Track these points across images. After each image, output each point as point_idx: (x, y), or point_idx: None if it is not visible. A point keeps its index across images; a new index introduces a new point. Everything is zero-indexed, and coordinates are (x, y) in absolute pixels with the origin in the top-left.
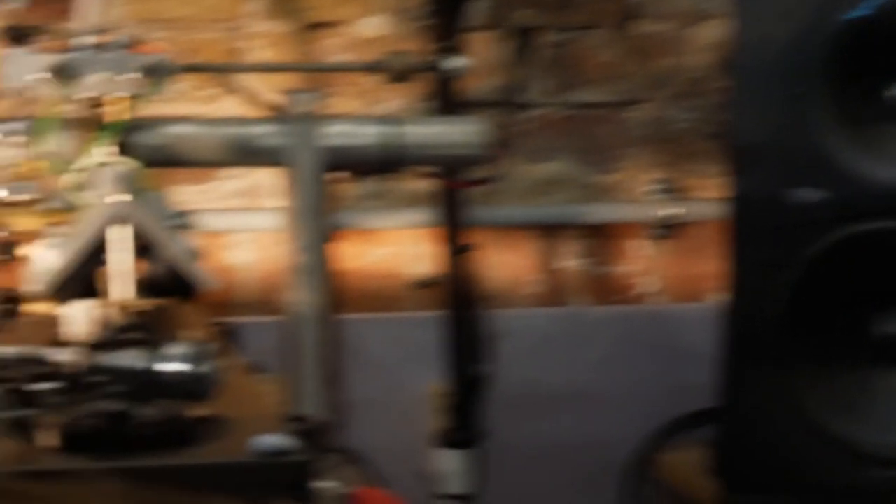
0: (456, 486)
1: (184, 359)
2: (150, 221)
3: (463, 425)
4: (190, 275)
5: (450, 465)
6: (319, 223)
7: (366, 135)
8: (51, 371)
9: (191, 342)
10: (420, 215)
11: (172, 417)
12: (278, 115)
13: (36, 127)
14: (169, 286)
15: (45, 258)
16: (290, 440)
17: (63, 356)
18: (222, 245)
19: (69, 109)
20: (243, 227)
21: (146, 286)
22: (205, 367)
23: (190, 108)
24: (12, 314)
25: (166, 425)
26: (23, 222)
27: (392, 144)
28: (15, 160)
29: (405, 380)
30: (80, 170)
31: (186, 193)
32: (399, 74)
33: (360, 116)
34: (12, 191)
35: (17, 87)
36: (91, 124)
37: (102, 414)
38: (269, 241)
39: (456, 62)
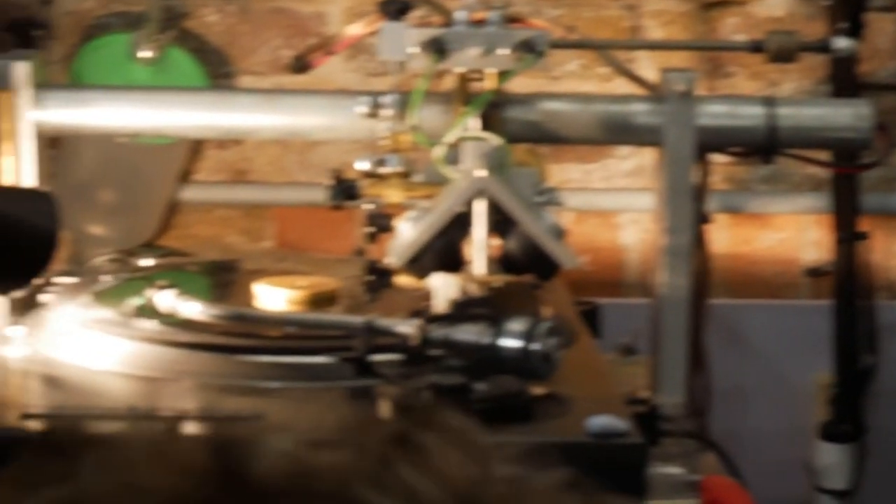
0: (836, 481)
1: (524, 336)
2: (511, 197)
3: (846, 418)
4: (552, 253)
5: (830, 459)
6: (690, 205)
7: (742, 116)
8: (393, 342)
9: (534, 319)
10: (814, 201)
11: (510, 394)
12: (653, 93)
13: (407, 100)
14: (530, 263)
15: (405, 231)
16: (626, 422)
17: (405, 328)
18: (611, 225)
19: (441, 83)
20: (630, 208)
21: (507, 262)
22: (545, 345)
23: (583, 86)
24: (380, 286)
25: (503, 401)
26: (390, 195)
27: (768, 126)
28: (385, 133)
29: (789, 369)
30: (448, 144)
31: (575, 172)
32: (783, 54)
33: (737, 96)
34: (380, 163)
35: (393, 60)
36: (461, 99)
37: (440, 387)
38: (653, 222)
39: (845, 43)
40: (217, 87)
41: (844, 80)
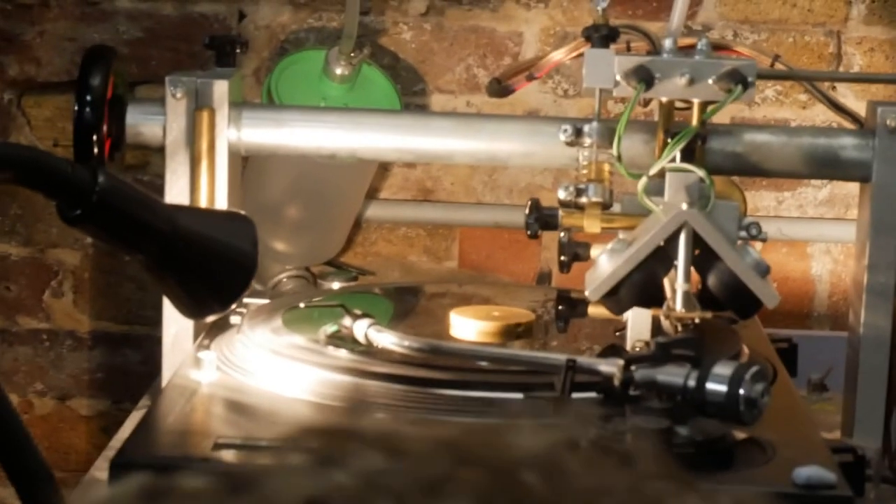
0: None
1: (732, 381)
2: (715, 232)
3: None
4: (756, 291)
5: None
6: (894, 241)
7: None
8: (592, 380)
9: (740, 363)
10: None
11: (713, 439)
12: (862, 126)
13: (608, 129)
14: (731, 299)
15: (603, 263)
16: (834, 473)
17: (607, 367)
18: (802, 254)
19: (645, 112)
20: (822, 238)
21: (708, 298)
22: (752, 391)
23: (780, 112)
24: (572, 316)
25: (706, 446)
26: (589, 225)
27: None
28: (585, 161)
29: None
30: (650, 175)
31: (766, 200)
32: None
33: None
34: (580, 193)
35: (597, 87)
36: (664, 128)
37: (643, 430)
38: (844, 253)
39: None
40: (413, 110)
41: None
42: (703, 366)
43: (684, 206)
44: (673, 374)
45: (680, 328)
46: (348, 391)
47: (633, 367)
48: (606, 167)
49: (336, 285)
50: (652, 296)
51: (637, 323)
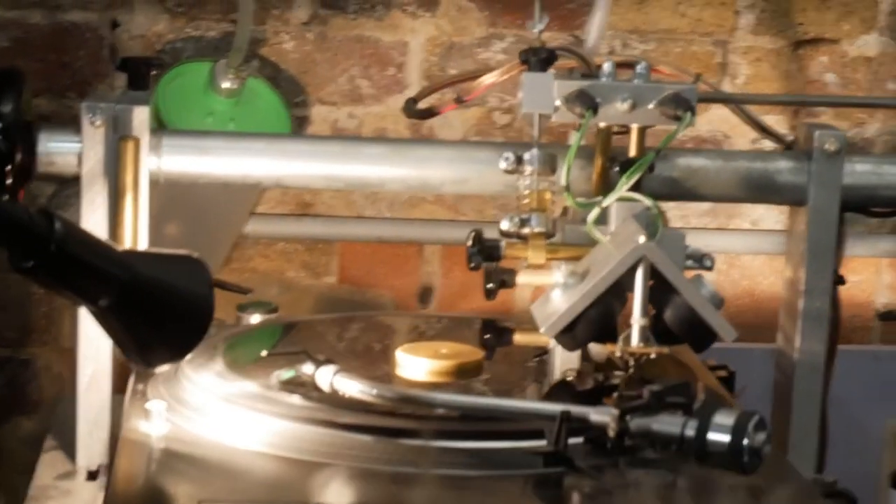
0: None
1: (735, 430)
2: (672, 266)
3: None
4: (713, 324)
5: None
6: (831, 267)
7: (887, 174)
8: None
9: (741, 412)
10: (892, 244)
11: (712, 489)
12: (789, 148)
13: (549, 155)
14: (687, 333)
15: (556, 298)
16: None
17: (601, 417)
18: None
19: (587, 138)
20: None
21: (663, 331)
22: (754, 441)
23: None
24: (499, 344)
25: (705, 496)
26: (532, 256)
27: None
28: (526, 190)
29: (862, 415)
30: (603, 206)
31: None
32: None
33: (881, 156)
34: (523, 223)
35: (536, 112)
36: (604, 154)
37: (648, 483)
38: (726, 263)
39: None
40: (341, 136)
41: None
42: (702, 415)
43: (641, 240)
44: (669, 424)
45: (632, 363)
46: (323, 444)
47: (628, 417)
48: (548, 195)
49: (255, 318)
50: (608, 331)
51: (563, 351)
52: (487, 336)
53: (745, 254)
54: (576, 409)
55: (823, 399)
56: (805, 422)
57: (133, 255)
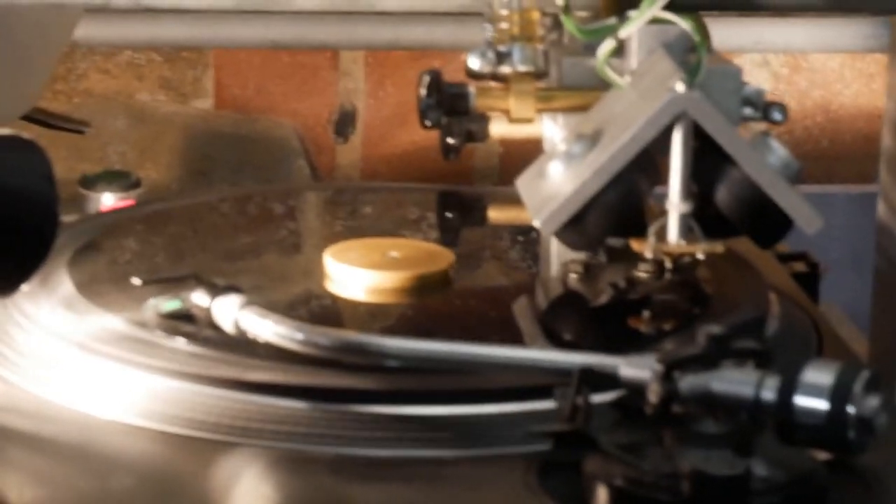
0: None
1: (836, 394)
2: (724, 122)
3: None
4: (787, 208)
5: None
6: None
7: None
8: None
9: (844, 365)
10: None
11: (802, 478)
12: None
13: None
14: (748, 221)
15: (557, 175)
16: None
17: (636, 372)
18: None
19: None
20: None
21: (713, 220)
22: (864, 408)
23: None
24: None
25: (794, 489)
26: (518, 108)
27: None
28: (504, 8)
29: None
30: (611, 31)
31: None
32: None
33: None
34: (500, 59)
35: None
36: None
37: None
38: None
39: None
40: None
41: None
42: (785, 369)
43: (679, 87)
44: (737, 382)
45: (669, 267)
46: (225, 414)
47: (676, 374)
48: (536, 16)
49: (108, 198)
50: (634, 221)
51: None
52: (449, 216)
53: (816, 52)
54: (599, 361)
55: None
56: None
57: None
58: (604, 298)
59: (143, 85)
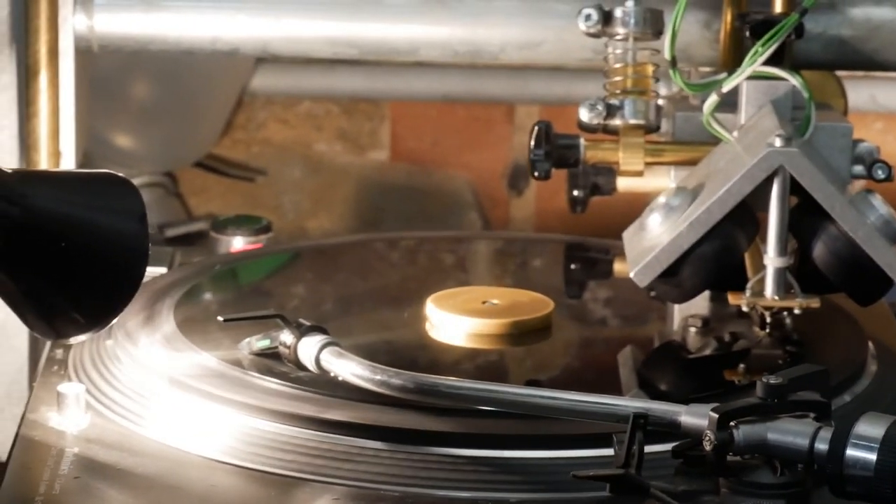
0: None
1: (885, 446)
2: (823, 179)
3: None
4: (883, 265)
5: None
6: None
7: None
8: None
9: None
10: None
11: None
12: None
13: (652, 13)
14: (845, 278)
15: (655, 227)
16: None
17: (693, 419)
18: None
19: None
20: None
21: (810, 276)
22: None
23: None
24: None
25: None
26: (628, 160)
27: None
28: (618, 62)
29: None
30: (723, 90)
31: None
32: None
33: None
34: (611, 112)
35: None
36: (738, 11)
37: None
38: None
39: None
40: None
41: None
42: (842, 420)
43: (778, 143)
44: (792, 433)
45: (769, 321)
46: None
47: (732, 423)
48: (650, 69)
49: (238, 242)
50: (731, 275)
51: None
52: (572, 267)
53: None
54: (658, 408)
55: None
56: None
57: (29, 178)
58: (701, 350)
59: (321, 135)
